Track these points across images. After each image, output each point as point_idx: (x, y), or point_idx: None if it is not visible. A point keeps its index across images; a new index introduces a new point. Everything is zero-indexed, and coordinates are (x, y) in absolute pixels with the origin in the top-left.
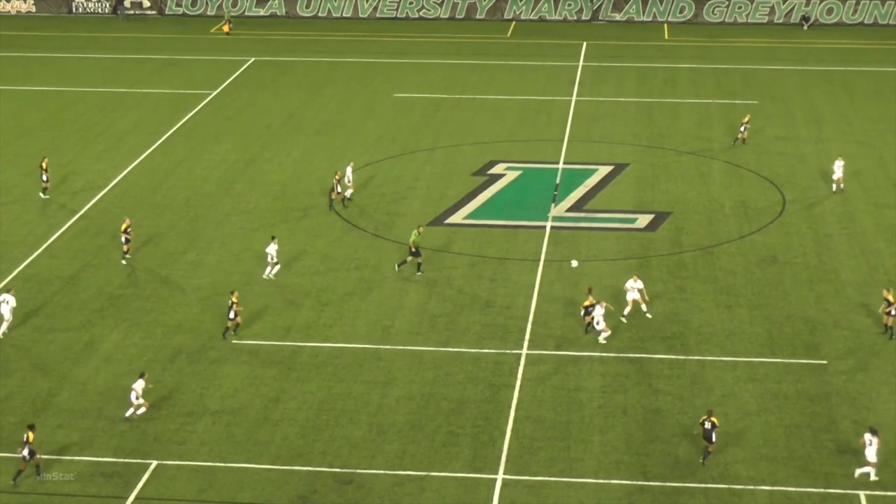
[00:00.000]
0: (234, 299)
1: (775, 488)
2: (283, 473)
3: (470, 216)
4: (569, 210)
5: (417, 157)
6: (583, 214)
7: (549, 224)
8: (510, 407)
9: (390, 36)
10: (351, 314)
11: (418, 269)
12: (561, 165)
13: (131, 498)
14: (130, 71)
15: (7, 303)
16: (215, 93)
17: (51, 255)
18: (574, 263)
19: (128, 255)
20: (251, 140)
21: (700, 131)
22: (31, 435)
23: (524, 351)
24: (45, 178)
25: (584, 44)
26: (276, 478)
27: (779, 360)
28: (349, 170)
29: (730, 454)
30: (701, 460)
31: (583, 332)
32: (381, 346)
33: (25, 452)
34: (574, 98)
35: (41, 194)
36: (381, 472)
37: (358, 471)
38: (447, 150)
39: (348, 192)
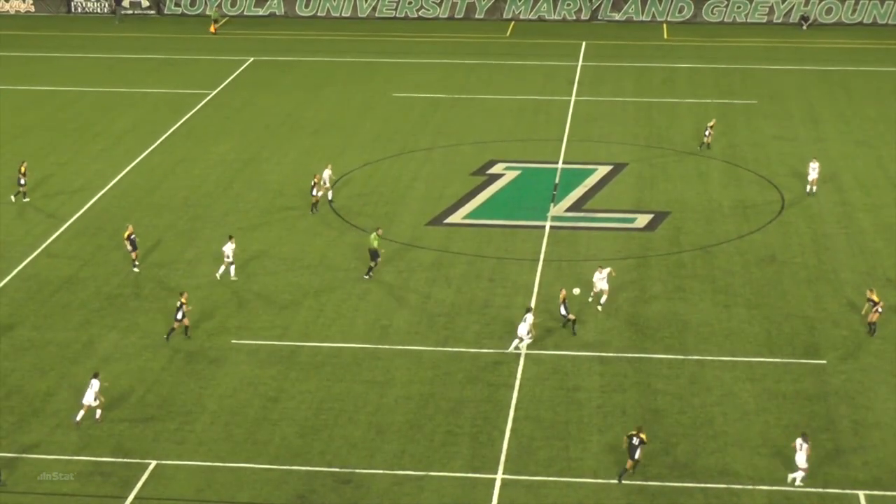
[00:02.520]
0: (184, 300)
1: (774, 488)
2: (281, 473)
3: (469, 216)
4: (568, 210)
5: (416, 156)
6: (582, 214)
7: (548, 224)
8: (509, 407)
9: (389, 36)
10: (349, 314)
11: (368, 272)
12: (560, 165)
13: (130, 498)
14: (129, 71)
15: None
16: (214, 93)
17: (49, 255)
18: (576, 291)
19: (136, 263)
20: (250, 140)
21: (699, 131)
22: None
23: (523, 350)
24: (22, 181)
25: (584, 43)
26: (275, 477)
27: (777, 359)
28: (327, 172)
29: (728, 453)
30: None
31: (578, 331)
32: (380, 346)
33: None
34: (573, 98)
35: (12, 198)
36: (380, 471)
37: (357, 470)
38: (446, 150)
39: (328, 194)
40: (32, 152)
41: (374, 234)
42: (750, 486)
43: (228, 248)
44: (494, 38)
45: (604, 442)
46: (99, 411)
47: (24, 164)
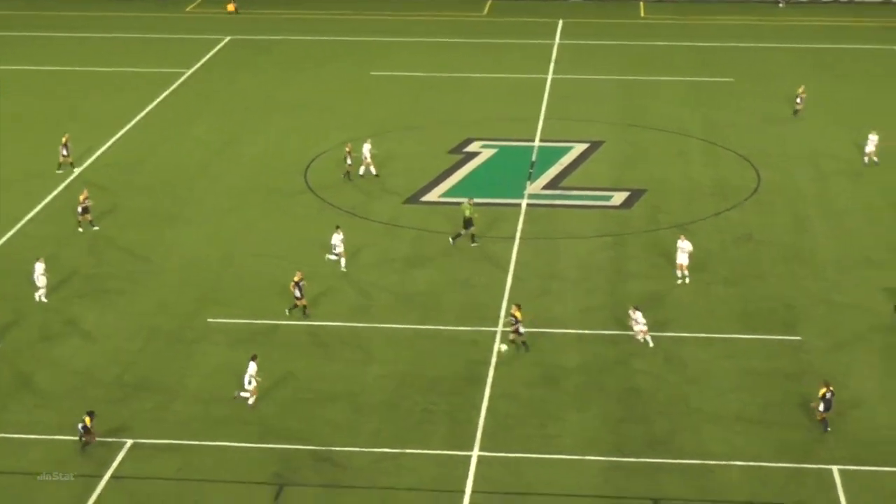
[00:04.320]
0: (296, 279)
1: (750, 464)
2: (260, 452)
3: (446, 194)
4: (545, 188)
5: (394, 135)
6: (558, 192)
7: (524, 202)
8: (486, 385)
9: (367, 14)
10: (329, 293)
11: (473, 240)
12: (537, 143)
13: (107, 476)
14: (106, 50)
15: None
16: (191, 72)
17: (27, 236)
18: (503, 348)
19: (94, 227)
20: (228, 120)
21: (676, 109)
22: (87, 420)
23: (501, 328)
24: (65, 152)
25: (561, 22)
26: (254, 456)
27: (754, 337)
28: (367, 147)
29: (705, 430)
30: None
31: (561, 311)
32: (359, 325)
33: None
34: (550, 76)
35: (58, 170)
36: (359, 449)
37: (335, 449)
38: (423, 129)
39: (369, 169)
40: (6, 135)
41: (467, 202)
42: (725, 463)
43: (337, 239)
44: (472, 16)
45: (581, 419)
46: (252, 398)
47: (67, 136)
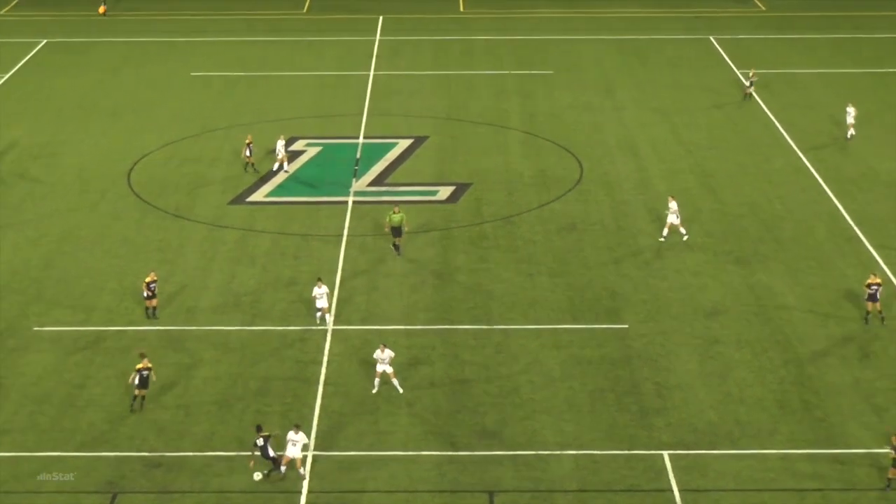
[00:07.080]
0: (149, 279)
1: (581, 452)
2: (90, 460)
3: (271, 194)
4: (370, 184)
5: (216, 135)
6: (384, 188)
7: (350, 199)
8: (318, 383)
9: (185, 14)
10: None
11: (397, 250)
12: (361, 140)
13: None
14: None
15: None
16: (7, 76)
17: None
18: (257, 476)
19: None
20: (45, 124)
21: (497, 103)
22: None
23: (330, 327)
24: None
25: (381, 18)
26: (83, 464)
27: (581, 325)
28: (280, 143)
29: (536, 420)
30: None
31: (390, 307)
32: (186, 328)
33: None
34: (372, 72)
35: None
36: (191, 454)
37: (166, 454)
38: (246, 128)
39: (284, 164)
40: None
41: (392, 211)
42: (558, 452)
43: (318, 292)
44: (292, 14)
45: (413, 414)
46: None
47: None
